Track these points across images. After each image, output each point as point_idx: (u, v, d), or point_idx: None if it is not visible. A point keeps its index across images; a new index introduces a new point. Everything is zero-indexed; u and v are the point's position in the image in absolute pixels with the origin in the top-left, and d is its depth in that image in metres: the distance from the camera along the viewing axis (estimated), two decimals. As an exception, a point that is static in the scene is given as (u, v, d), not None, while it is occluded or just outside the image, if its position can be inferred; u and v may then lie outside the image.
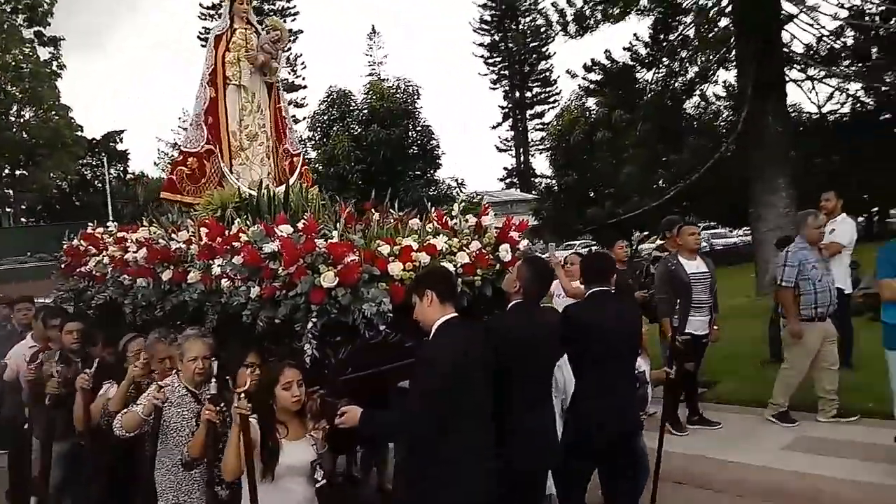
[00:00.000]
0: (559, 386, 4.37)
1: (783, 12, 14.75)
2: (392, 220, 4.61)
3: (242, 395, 3.20)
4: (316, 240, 3.80)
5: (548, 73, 57.04)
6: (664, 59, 16.59)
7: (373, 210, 4.88)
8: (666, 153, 16.61)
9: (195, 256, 4.36)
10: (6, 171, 42.88)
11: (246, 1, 6.22)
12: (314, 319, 3.62)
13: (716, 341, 6.67)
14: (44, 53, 42.65)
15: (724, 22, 15.41)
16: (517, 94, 58.44)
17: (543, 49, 54.70)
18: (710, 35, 14.66)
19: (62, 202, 41.91)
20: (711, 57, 15.29)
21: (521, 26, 55.15)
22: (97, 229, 6.32)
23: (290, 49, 43.06)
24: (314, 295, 3.61)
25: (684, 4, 15.67)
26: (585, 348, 3.92)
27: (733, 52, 15.42)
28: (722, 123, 20.84)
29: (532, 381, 3.66)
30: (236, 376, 3.70)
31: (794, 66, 15.46)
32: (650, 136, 16.97)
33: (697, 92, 17.06)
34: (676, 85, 16.70)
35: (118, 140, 45.45)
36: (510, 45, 56.20)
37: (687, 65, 16.81)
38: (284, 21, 43.26)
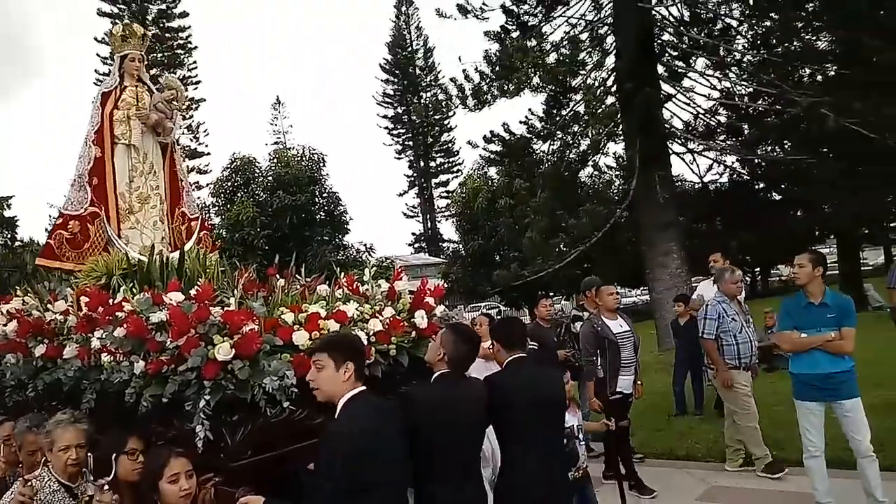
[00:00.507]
0: (486, 455, 4.15)
1: (663, 92, 16.16)
2: (298, 287, 4.36)
3: (106, 487, 2.91)
4: (211, 308, 3.49)
5: (450, 144, 59.04)
6: (558, 132, 17.65)
7: (277, 276, 4.49)
8: (564, 219, 17.42)
9: (73, 329, 3.97)
10: None
11: (137, 59, 5.96)
12: (207, 397, 3.23)
13: (640, 398, 6.70)
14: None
15: (610, 99, 16.61)
16: (421, 163, 59.93)
17: (445, 122, 56.59)
18: (598, 111, 15.73)
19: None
20: (601, 131, 16.36)
21: (422, 100, 57.02)
22: None
23: (191, 116, 42.64)
24: (207, 369, 3.25)
25: (574, 83, 16.82)
26: (509, 417, 3.70)
27: (620, 127, 16.61)
28: (615, 191, 22.14)
29: (459, 453, 3.46)
30: (115, 466, 3.26)
31: (676, 140, 16.82)
32: (549, 203, 17.79)
33: (590, 162, 18.17)
34: (571, 156, 17.71)
35: (6, 206, 42.94)
36: (413, 117, 57.85)
37: (579, 138, 17.91)
38: (186, 89, 42.99)
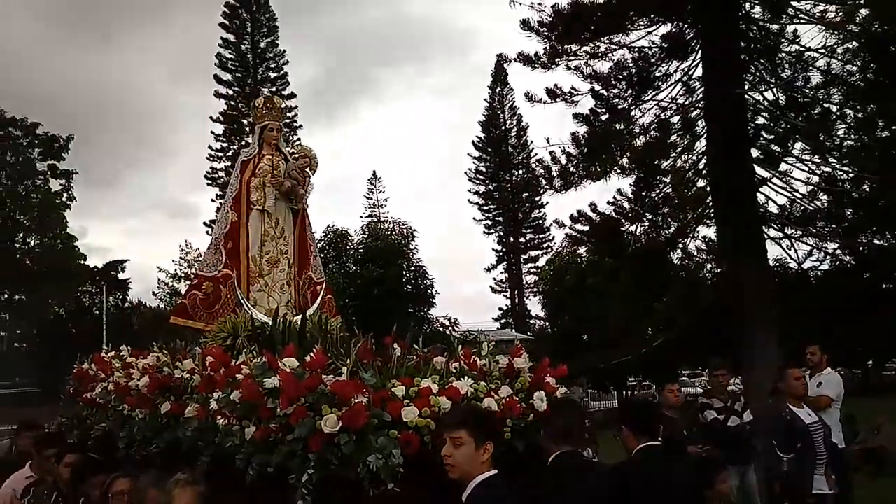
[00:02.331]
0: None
1: (757, 176, 15.75)
2: (415, 358, 4.17)
3: None
4: (324, 376, 3.41)
5: (541, 220, 59.03)
6: (647, 214, 17.43)
7: (394, 345, 4.28)
8: (652, 302, 16.99)
9: (195, 388, 4.04)
10: (5, 295, 43.32)
11: (276, 129, 6.29)
12: (310, 471, 3.14)
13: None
14: (55, 185, 44.43)
15: (701, 182, 16.34)
16: (511, 239, 60.11)
17: (536, 198, 56.95)
18: (688, 194, 15.48)
19: (58, 328, 41.87)
20: (691, 214, 16.05)
21: (514, 177, 57.73)
22: (108, 353, 6.07)
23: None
24: (314, 441, 3.16)
25: (663, 166, 16.67)
26: None
27: (711, 210, 16.23)
28: (707, 275, 21.42)
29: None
30: None
31: (772, 225, 16.23)
32: (636, 285, 17.42)
33: (680, 245, 17.74)
34: (660, 238, 17.38)
35: (120, 269, 46.15)
36: (504, 193, 58.51)
37: (669, 220, 17.60)
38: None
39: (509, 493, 2.88)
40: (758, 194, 15.90)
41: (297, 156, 6.33)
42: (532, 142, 56.42)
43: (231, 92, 45.13)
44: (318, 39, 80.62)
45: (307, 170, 6.24)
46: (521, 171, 56.79)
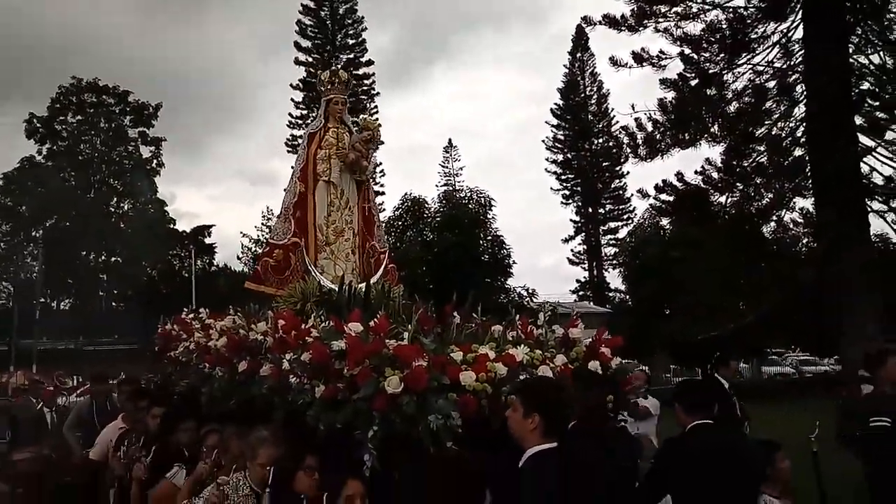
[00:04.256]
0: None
1: (860, 145, 14.70)
2: (473, 326, 4.33)
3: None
4: (387, 341, 3.57)
5: (621, 191, 57.48)
6: (738, 185, 16.60)
7: (454, 314, 4.46)
8: (743, 276, 16.23)
9: (269, 349, 4.24)
10: (102, 257, 45.91)
11: (341, 102, 6.41)
12: (375, 428, 3.32)
13: None
14: (146, 151, 46.40)
15: (798, 151, 15.41)
16: (590, 209, 58.89)
17: (617, 168, 55.43)
18: (785, 163, 14.62)
19: (149, 290, 44.15)
20: (787, 185, 15.17)
21: (594, 146, 56.29)
22: (188, 315, 6.32)
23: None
24: (377, 400, 3.33)
25: (757, 133, 15.78)
26: (684, 486, 3.40)
27: (809, 181, 15.31)
28: (802, 249, 20.36)
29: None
30: (294, 479, 3.60)
31: (875, 197, 15.16)
32: (725, 258, 16.68)
33: (774, 217, 16.83)
34: (752, 210, 16.54)
35: (207, 234, 48.01)
36: (583, 163, 57.25)
37: (762, 190, 16.71)
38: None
39: (566, 467, 2.79)
40: (861, 164, 14.89)
41: (361, 128, 6.46)
42: (613, 109, 54.39)
43: (310, 59, 45.70)
44: (395, 6, 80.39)
45: (370, 143, 6.35)
46: (601, 140, 55.37)
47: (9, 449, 6.04)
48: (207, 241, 47.96)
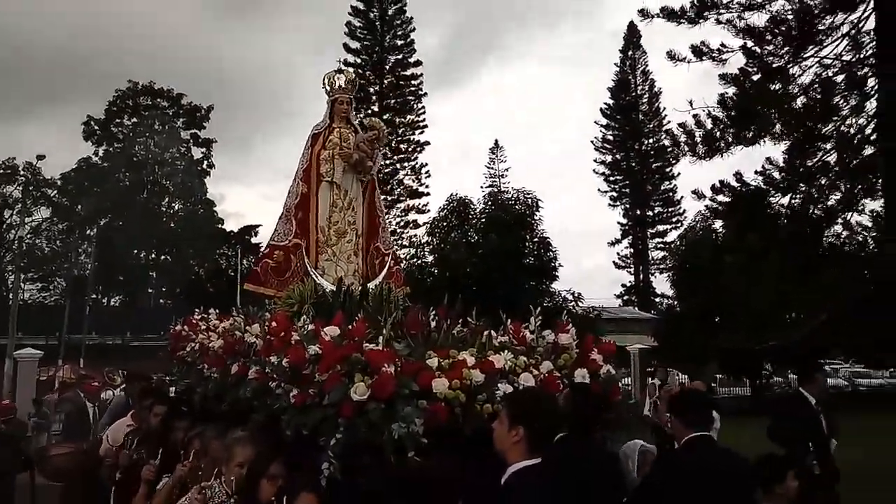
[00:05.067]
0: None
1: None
2: (466, 331, 4.17)
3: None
4: (365, 345, 3.50)
5: (671, 193, 56.00)
6: (801, 185, 15.67)
7: (447, 319, 4.28)
8: (802, 283, 15.33)
9: (257, 351, 4.22)
10: (152, 255, 46.80)
11: (346, 101, 6.41)
12: (338, 436, 3.26)
13: None
14: (197, 153, 47.16)
15: (869, 150, 14.44)
16: (638, 212, 57.56)
17: (667, 169, 54.07)
18: (854, 163, 13.71)
19: (196, 288, 44.82)
20: (855, 185, 14.24)
21: (644, 146, 55.05)
22: (198, 316, 6.37)
23: (416, 158, 45.03)
24: (344, 407, 3.27)
25: (824, 131, 14.87)
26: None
27: (879, 181, 14.36)
28: (866, 255, 19.24)
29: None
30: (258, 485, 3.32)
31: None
32: (785, 264, 15.77)
33: (840, 220, 15.84)
34: (815, 212, 15.61)
35: (254, 234, 48.56)
36: (632, 164, 56.00)
37: (827, 192, 15.77)
38: (413, 133, 45.73)
39: (550, 485, 2.63)
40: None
41: (367, 128, 6.47)
42: (665, 109, 53.24)
43: (359, 60, 45.77)
44: (444, 6, 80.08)
45: (376, 142, 6.32)
46: (651, 140, 54.06)
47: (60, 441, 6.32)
48: (254, 240, 48.51)
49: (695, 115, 14.91)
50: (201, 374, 5.01)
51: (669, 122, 51.07)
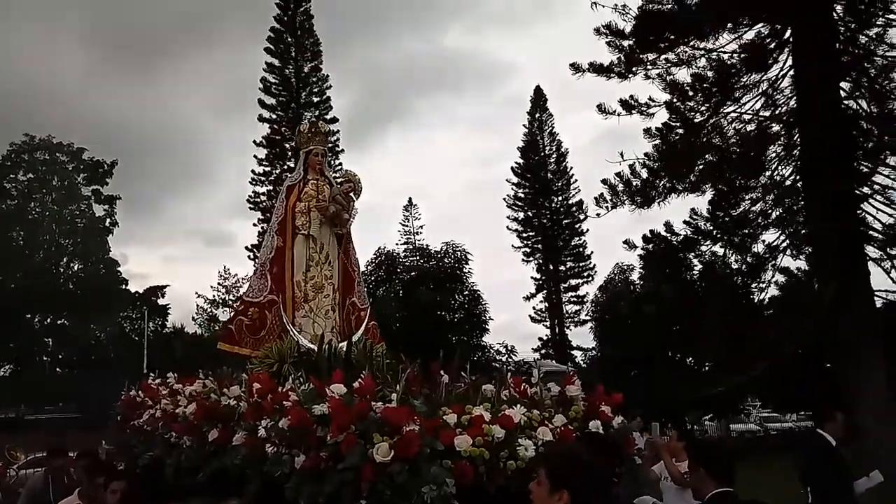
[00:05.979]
0: None
1: (857, 190, 14.50)
2: (463, 386, 4.13)
3: None
4: (373, 403, 3.37)
5: (581, 249, 57.76)
6: (723, 235, 16.23)
7: (441, 372, 4.16)
8: (739, 332, 15.67)
9: (242, 415, 3.87)
10: (48, 320, 43.32)
11: (321, 154, 6.30)
12: (363, 501, 3.08)
13: None
14: (98, 210, 44.67)
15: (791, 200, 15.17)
16: (550, 266, 58.88)
17: (576, 225, 55.82)
18: (777, 212, 14.40)
19: (98, 353, 41.72)
20: (781, 232, 14.91)
21: (553, 203, 56.79)
22: (155, 380, 5.95)
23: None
24: (365, 470, 3.09)
25: (747, 182, 15.55)
26: None
27: (802, 230, 15.07)
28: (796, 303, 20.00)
29: None
30: None
31: (872, 244, 14.91)
32: (719, 313, 16.10)
33: (768, 268, 16.42)
34: (748, 259, 16.16)
35: (160, 295, 46.04)
36: (543, 220, 57.56)
37: (748, 241, 16.37)
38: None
39: None
40: (862, 211, 14.65)
41: (341, 180, 6.38)
42: (572, 168, 55.53)
43: (275, 116, 45.00)
44: (356, 69, 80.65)
45: (351, 194, 6.22)
46: (561, 198, 55.82)
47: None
48: (160, 302, 46.01)
49: (631, 166, 15.32)
50: (169, 443, 4.59)
51: (576, 180, 53.03)
